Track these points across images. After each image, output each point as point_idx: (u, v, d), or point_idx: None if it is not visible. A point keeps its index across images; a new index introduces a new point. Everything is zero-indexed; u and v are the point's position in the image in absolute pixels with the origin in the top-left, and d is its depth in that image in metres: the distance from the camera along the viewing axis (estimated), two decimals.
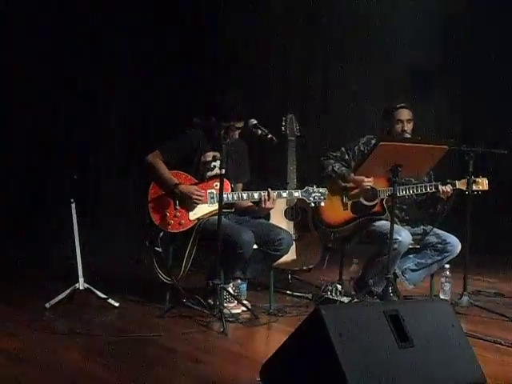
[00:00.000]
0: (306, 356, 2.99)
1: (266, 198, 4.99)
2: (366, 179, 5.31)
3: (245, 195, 5.06)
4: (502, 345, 4.35)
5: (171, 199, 5.05)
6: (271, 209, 5.15)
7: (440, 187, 5.26)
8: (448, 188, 5.26)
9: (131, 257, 6.69)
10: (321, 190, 5.10)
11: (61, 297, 4.93)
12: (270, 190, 5.01)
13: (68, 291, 4.97)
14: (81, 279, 5.02)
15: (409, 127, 5.42)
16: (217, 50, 7.52)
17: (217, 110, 5.06)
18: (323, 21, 7.87)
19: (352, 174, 5.35)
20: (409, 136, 5.39)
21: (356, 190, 5.44)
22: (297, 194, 5.13)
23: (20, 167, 7.05)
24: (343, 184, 5.42)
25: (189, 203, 5.02)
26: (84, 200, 5.47)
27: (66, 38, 7.03)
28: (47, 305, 4.89)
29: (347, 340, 2.91)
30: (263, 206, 5.01)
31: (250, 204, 5.19)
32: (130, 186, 7.34)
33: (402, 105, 5.45)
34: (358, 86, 7.80)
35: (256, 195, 5.04)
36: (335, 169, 5.43)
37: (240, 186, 5.33)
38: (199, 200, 5.01)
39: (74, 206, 5.11)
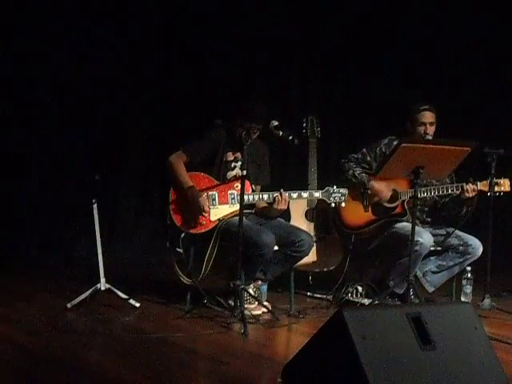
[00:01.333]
0: (328, 358, 2.98)
1: (279, 198, 4.99)
2: (384, 192, 5.31)
3: (265, 196, 5.06)
4: None
5: None
6: (283, 210, 5.13)
7: (465, 186, 5.21)
8: (474, 186, 5.22)
9: (152, 258, 6.71)
10: (341, 190, 5.08)
11: (82, 297, 4.96)
12: (282, 191, 5.01)
13: (89, 291, 4.99)
14: (102, 279, 5.05)
15: (431, 130, 5.39)
16: (237, 52, 7.51)
17: (241, 111, 5.05)
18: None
19: (372, 182, 5.34)
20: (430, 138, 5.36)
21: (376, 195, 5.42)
22: (317, 194, 5.12)
23: (42, 167, 7.08)
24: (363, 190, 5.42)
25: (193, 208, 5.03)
26: (106, 200, 5.49)
27: (92, 40, 7.06)
28: (69, 305, 4.92)
29: (370, 342, 2.90)
30: (276, 207, 5.01)
31: (265, 205, 5.20)
32: (151, 186, 7.36)
33: (426, 107, 5.41)
34: (379, 87, 7.77)
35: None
36: (356, 174, 5.41)
37: (259, 187, 5.33)
38: (198, 212, 5.00)
39: (95, 206, 5.14)
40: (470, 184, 5.21)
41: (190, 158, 5.13)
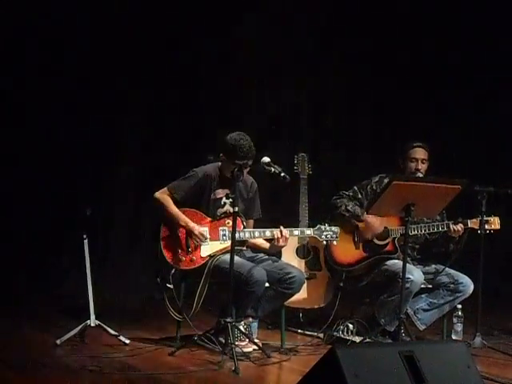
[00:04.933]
0: None
1: (279, 235, 4.99)
2: (376, 225, 5.32)
3: (257, 233, 5.07)
4: None
5: (183, 236, 5.06)
6: (283, 247, 5.15)
7: (451, 226, 5.25)
8: (459, 227, 5.26)
9: (143, 294, 6.67)
10: (333, 228, 5.10)
11: (72, 333, 4.93)
12: (282, 227, 5.01)
13: (79, 328, 4.97)
14: (92, 316, 5.02)
15: (423, 167, 5.44)
16: (228, 88, 7.56)
17: (230, 149, 5.06)
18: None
19: (365, 214, 5.35)
20: (422, 176, 5.40)
21: (368, 229, 5.44)
22: (309, 232, 5.13)
23: (32, 202, 7.05)
24: (356, 223, 5.43)
25: (191, 240, 5.04)
26: (96, 236, 5.47)
27: (84, 75, 7.06)
28: (58, 341, 4.88)
29: (363, 381, 2.89)
30: (276, 243, 5.02)
31: (262, 242, 5.20)
32: (141, 222, 7.34)
33: (419, 144, 5.49)
34: (368, 124, 7.83)
35: (268, 233, 5.04)
36: (349, 208, 5.43)
37: (251, 222, 5.33)
38: (198, 240, 5.01)
39: (86, 241, 5.12)
40: (456, 225, 5.24)
41: (175, 196, 5.12)
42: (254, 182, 5.39)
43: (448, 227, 5.26)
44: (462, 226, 5.27)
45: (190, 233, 5.03)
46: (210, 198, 5.19)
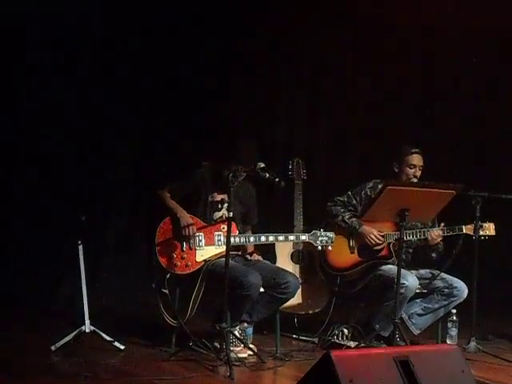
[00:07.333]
0: None
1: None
2: (375, 235, 5.34)
3: (252, 238, 5.08)
4: None
5: (178, 241, 5.06)
6: None
7: (427, 234, 5.30)
8: (438, 232, 5.29)
9: (138, 299, 6.67)
10: (328, 233, 5.11)
11: (67, 339, 4.91)
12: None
13: (74, 333, 4.95)
14: (87, 321, 5.01)
15: (418, 174, 5.45)
16: (225, 95, 7.56)
17: (234, 154, 5.11)
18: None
19: (363, 227, 5.36)
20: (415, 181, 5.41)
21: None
22: (304, 237, 5.15)
23: (27, 207, 7.04)
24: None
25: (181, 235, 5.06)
26: (91, 241, 5.47)
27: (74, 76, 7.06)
28: (53, 347, 4.86)
29: None
30: None
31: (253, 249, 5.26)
32: (137, 227, 7.34)
33: (417, 150, 5.48)
34: (365, 128, 7.83)
35: (263, 238, 5.06)
36: (345, 219, 5.43)
37: (249, 228, 5.35)
38: (188, 234, 5.03)
39: (81, 247, 5.12)
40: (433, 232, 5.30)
41: (170, 195, 5.19)
42: (253, 188, 5.42)
43: (459, 230, 5.27)
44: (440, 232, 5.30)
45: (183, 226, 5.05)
46: (207, 201, 5.21)
